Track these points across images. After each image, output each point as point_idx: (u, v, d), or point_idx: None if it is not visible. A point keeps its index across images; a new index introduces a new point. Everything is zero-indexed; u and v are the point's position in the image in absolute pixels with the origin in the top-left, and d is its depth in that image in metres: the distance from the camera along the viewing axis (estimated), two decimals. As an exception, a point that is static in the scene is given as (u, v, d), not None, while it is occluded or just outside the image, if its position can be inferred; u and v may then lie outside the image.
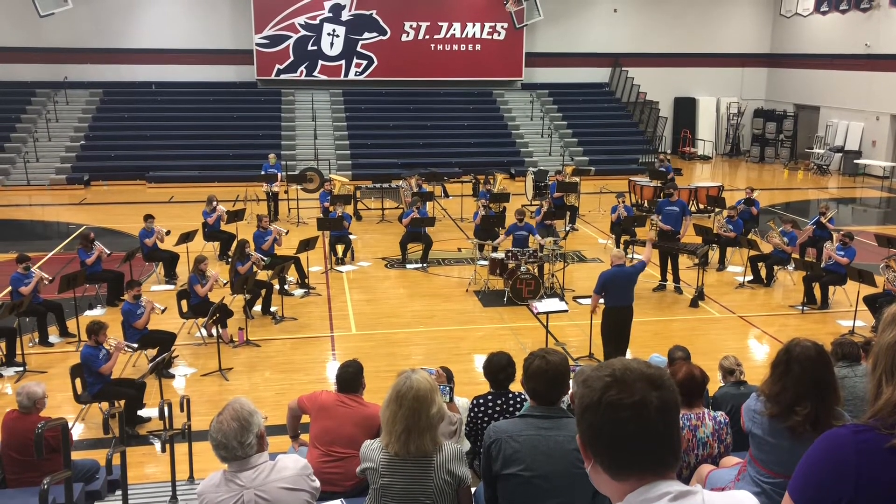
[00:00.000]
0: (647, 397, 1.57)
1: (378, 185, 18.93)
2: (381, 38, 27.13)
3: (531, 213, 13.93)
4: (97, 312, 11.81)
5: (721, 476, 4.18)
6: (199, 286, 10.73)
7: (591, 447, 1.62)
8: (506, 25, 27.58)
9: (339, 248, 14.60)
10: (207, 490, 3.27)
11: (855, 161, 25.66)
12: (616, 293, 9.33)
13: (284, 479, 3.28)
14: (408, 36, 27.31)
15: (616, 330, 9.41)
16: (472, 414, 5.07)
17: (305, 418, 5.21)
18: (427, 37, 27.42)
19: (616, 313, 9.39)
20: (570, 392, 4.47)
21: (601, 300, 9.54)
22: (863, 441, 1.71)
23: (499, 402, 5.03)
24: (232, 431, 3.16)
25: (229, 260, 13.15)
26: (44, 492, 4.79)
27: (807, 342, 3.63)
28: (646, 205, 19.02)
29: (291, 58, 26.68)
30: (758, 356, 10.59)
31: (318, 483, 3.46)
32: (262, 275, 12.28)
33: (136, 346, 9.11)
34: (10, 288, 10.74)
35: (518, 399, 5.05)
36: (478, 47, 27.74)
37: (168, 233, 13.41)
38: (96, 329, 8.29)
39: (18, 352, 9.99)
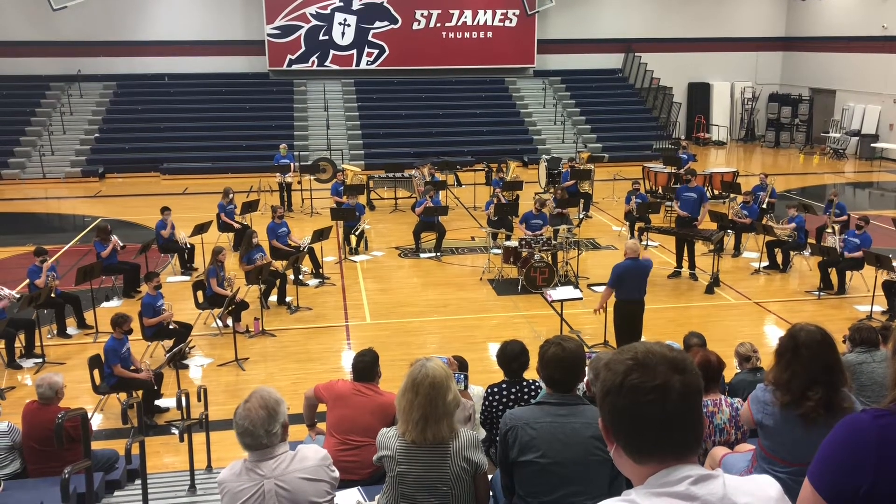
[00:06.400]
0: (670, 381, 1.56)
1: (391, 175, 18.92)
2: (392, 26, 27.06)
3: (543, 203, 13.87)
4: (114, 304, 11.91)
5: (735, 461, 4.16)
6: (214, 280, 10.76)
7: (613, 431, 1.62)
8: (517, 12, 27.43)
9: (353, 238, 14.63)
10: (228, 479, 3.29)
11: (872, 145, 25.40)
12: (628, 286, 9.25)
13: (305, 469, 3.29)
14: (419, 24, 27.22)
15: (627, 322, 9.34)
16: (486, 402, 5.07)
17: (322, 407, 5.23)
18: (438, 25, 27.31)
19: (627, 306, 9.33)
20: (585, 379, 4.47)
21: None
22: (884, 426, 1.70)
23: (513, 390, 5.03)
24: (260, 420, 3.17)
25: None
26: (65, 481, 4.85)
27: (810, 326, 3.59)
28: (660, 191, 18.91)
29: (303, 48, 26.67)
30: (774, 343, 10.48)
31: (337, 473, 3.47)
32: (277, 265, 12.34)
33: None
34: (27, 280, 10.84)
35: (532, 387, 5.05)
36: (489, 34, 27.60)
37: (192, 247, 13.52)
38: (121, 321, 8.35)
39: (37, 343, 10.10)
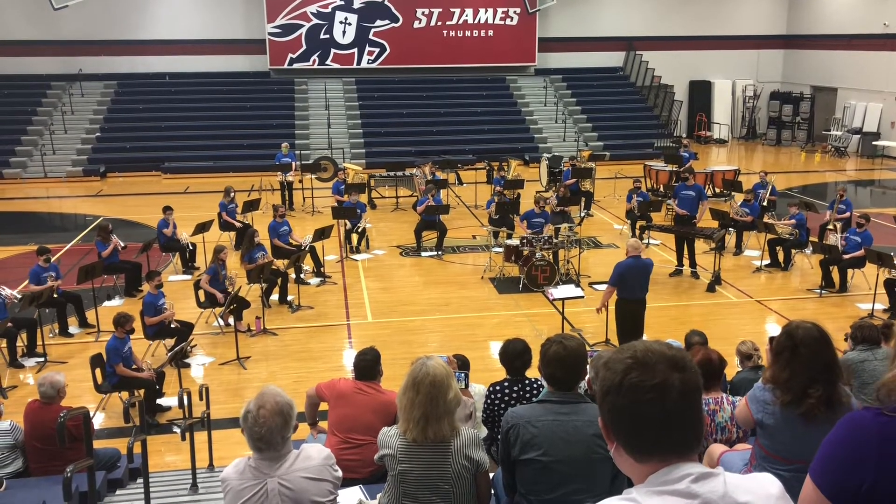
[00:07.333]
0: (669, 379, 1.56)
1: (392, 174, 18.92)
2: (393, 25, 27.04)
3: (545, 201, 13.86)
4: (115, 303, 11.91)
5: (733, 459, 4.15)
6: (208, 277, 10.75)
7: (613, 429, 1.62)
8: (518, 10, 27.41)
9: (354, 237, 14.63)
10: (231, 476, 3.28)
11: (873, 143, 25.37)
12: (630, 285, 9.23)
13: (308, 468, 3.28)
14: (420, 23, 27.20)
15: (629, 321, 9.32)
16: (489, 401, 5.08)
17: (323, 406, 5.24)
18: (439, 23, 27.29)
19: (628, 305, 9.31)
20: (587, 377, 4.47)
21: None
22: (885, 423, 1.71)
23: (515, 388, 5.04)
24: (276, 427, 3.14)
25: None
26: (67, 480, 4.85)
27: (806, 323, 3.55)
28: (661, 190, 18.91)
29: (304, 47, 26.66)
30: (775, 340, 10.50)
31: (340, 473, 3.46)
32: (279, 264, 12.34)
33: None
34: (27, 281, 10.85)
35: (535, 385, 5.05)
36: (490, 33, 27.58)
37: (194, 246, 13.50)
38: (123, 321, 8.36)
39: (39, 343, 10.11)
